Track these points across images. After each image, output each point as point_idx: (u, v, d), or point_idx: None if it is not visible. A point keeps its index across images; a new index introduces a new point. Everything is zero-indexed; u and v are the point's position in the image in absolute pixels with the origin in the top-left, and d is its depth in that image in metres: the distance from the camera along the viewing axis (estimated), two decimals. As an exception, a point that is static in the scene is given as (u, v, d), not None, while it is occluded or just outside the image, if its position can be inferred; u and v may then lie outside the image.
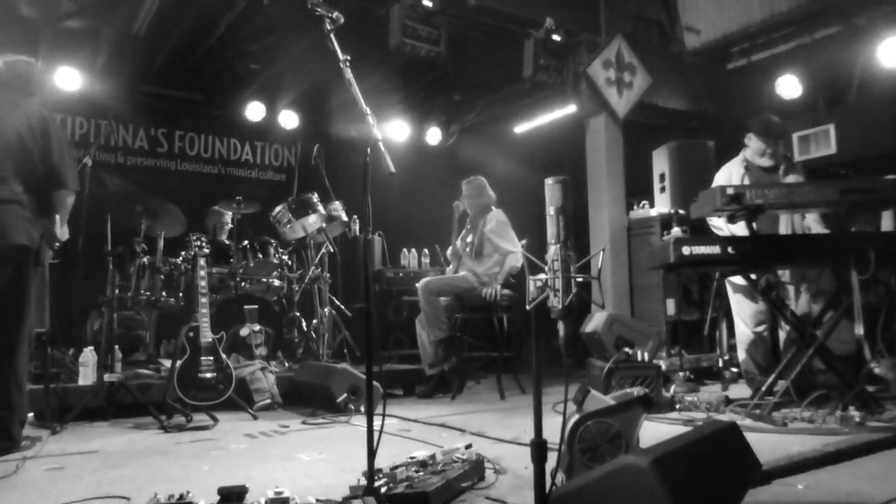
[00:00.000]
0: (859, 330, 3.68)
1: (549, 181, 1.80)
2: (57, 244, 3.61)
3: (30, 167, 3.41)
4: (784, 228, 4.46)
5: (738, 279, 4.41)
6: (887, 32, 5.66)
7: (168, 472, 2.87)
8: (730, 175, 4.63)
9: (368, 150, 2.22)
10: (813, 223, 4.38)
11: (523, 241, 5.31)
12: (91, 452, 3.30)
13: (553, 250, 1.73)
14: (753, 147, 4.57)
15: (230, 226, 6.11)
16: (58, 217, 3.50)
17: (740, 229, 3.98)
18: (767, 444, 2.95)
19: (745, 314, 4.54)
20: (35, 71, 3.78)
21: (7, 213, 3.33)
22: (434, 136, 8.51)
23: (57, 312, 5.03)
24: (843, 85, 6.47)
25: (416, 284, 5.37)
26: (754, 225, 3.73)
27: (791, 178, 4.45)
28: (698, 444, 1.97)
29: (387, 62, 6.10)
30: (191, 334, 4.13)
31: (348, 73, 2.40)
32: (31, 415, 3.78)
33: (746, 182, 4.50)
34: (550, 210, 1.77)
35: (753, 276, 4.00)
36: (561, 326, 1.76)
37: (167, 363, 4.81)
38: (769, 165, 4.53)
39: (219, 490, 2.23)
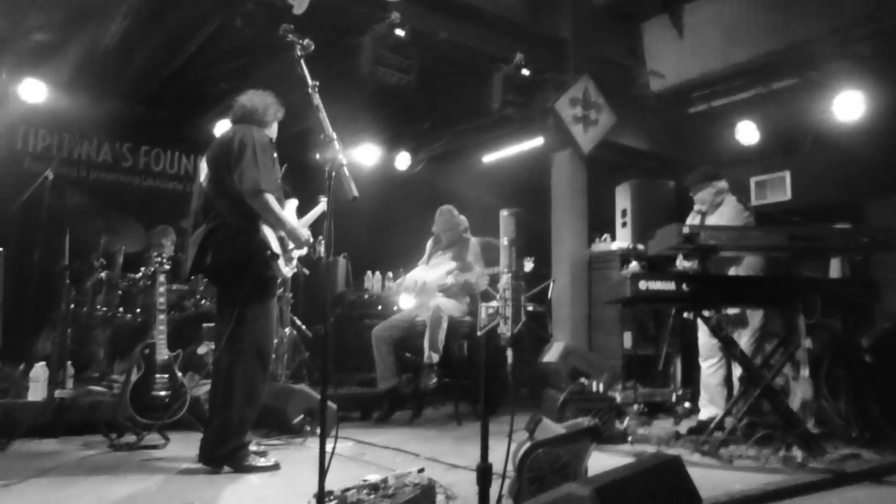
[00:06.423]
0: (805, 372, 3.81)
1: (503, 213, 1.86)
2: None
3: None
4: None
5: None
6: (841, 87, 5.91)
7: (115, 493, 2.82)
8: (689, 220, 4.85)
9: (333, 173, 2.26)
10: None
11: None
12: (37, 471, 3.23)
13: (505, 279, 1.78)
14: None
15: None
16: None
17: None
18: (711, 481, 3.02)
19: (700, 346, 4.69)
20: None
21: None
22: (403, 161, 8.57)
23: (10, 327, 4.92)
24: (799, 134, 6.70)
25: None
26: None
27: (712, 219, 4.62)
28: (641, 475, 2.03)
29: (358, 89, 6.17)
30: (146, 351, 4.07)
31: (316, 99, 2.45)
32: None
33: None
34: (504, 241, 1.82)
35: (706, 314, 4.12)
36: (510, 354, 1.81)
37: (121, 380, 4.72)
38: (703, 211, 4.73)
39: (165, 510, 2.22)
